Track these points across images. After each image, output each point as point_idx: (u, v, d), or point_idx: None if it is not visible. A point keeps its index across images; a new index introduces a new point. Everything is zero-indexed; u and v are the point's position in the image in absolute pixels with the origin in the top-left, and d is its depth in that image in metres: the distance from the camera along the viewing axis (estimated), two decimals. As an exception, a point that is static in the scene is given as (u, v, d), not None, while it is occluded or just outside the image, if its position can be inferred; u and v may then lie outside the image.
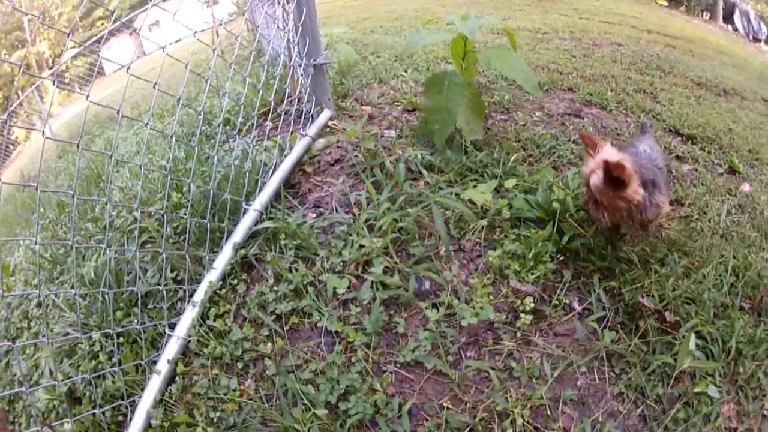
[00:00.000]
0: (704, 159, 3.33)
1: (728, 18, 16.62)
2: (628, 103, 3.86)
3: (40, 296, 2.45)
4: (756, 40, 16.76)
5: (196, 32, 2.25)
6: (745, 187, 3.14)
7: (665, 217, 2.58)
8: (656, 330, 2.01)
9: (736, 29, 16.34)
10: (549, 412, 1.82)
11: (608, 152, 1.89)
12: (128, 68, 1.88)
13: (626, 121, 3.57)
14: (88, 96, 1.85)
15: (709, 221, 2.69)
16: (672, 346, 1.98)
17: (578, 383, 1.91)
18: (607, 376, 1.93)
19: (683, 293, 2.15)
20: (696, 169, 3.19)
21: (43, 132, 1.71)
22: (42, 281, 2.58)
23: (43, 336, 2.05)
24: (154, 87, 2.00)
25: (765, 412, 1.94)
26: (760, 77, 7.30)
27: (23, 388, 1.98)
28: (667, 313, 2.03)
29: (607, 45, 5.71)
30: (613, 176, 1.82)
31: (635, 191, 1.86)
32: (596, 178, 1.87)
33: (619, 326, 2.06)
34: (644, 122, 2.79)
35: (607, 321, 2.07)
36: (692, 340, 1.89)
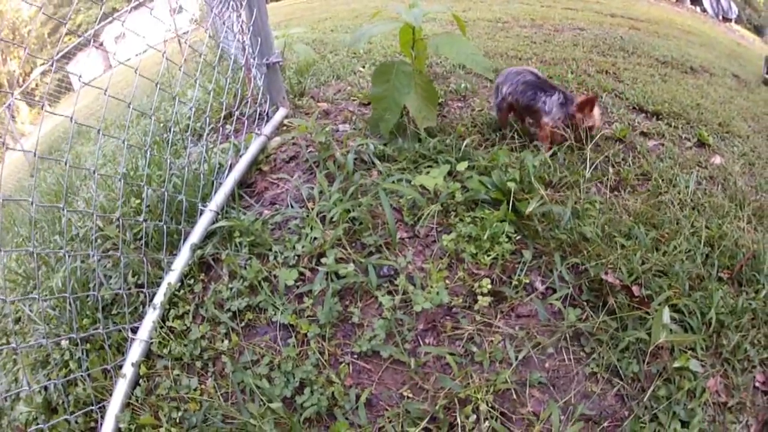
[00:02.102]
0: (671, 134, 3.34)
1: None
2: (590, 83, 3.87)
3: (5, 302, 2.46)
4: (726, 20, 16.91)
5: (154, 46, 2.25)
6: (716, 160, 3.14)
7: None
8: (626, 306, 1.97)
9: (704, 10, 16.45)
10: (516, 397, 1.79)
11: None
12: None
13: (587, 102, 3.56)
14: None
15: (678, 193, 2.67)
16: (645, 321, 1.94)
17: (546, 365, 1.88)
18: (576, 356, 1.90)
19: (653, 266, 2.12)
20: (662, 144, 3.19)
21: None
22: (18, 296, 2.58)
23: (14, 346, 2.06)
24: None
25: (756, 384, 1.92)
26: (730, 54, 7.36)
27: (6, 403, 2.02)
28: (635, 288, 2.00)
29: (569, 30, 5.73)
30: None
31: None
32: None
33: (585, 304, 2.03)
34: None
35: (572, 299, 2.04)
36: (666, 314, 1.84)
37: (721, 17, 16.65)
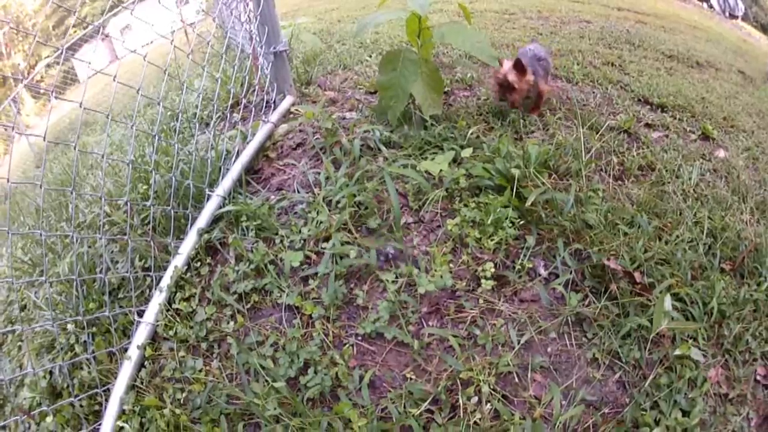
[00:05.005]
0: (675, 126, 3.33)
1: (703, -5, 16.62)
2: (595, 75, 3.86)
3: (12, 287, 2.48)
4: (732, 17, 16.79)
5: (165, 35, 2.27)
6: (720, 153, 3.14)
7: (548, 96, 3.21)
8: (628, 292, 1.99)
9: (711, 7, 16.35)
10: (517, 380, 1.81)
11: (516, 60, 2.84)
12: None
13: (593, 93, 3.57)
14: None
15: (682, 184, 2.68)
16: (646, 308, 1.95)
17: (548, 350, 1.89)
18: (578, 341, 1.92)
19: (655, 254, 2.12)
20: (667, 136, 3.19)
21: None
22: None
23: (18, 328, 2.07)
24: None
25: (757, 377, 1.92)
26: (736, 51, 7.32)
27: (10, 389, 2.05)
28: (637, 274, 2.01)
29: (575, 22, 5.71)
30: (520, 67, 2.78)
31: (529, 76, 2.84)
32: (512, 73, 2.81)
33: (587, 289, 2.04)
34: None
35: (575, 284, 2.06)
36: (668, 301, 1.85)
37: (727, 14, 16.52)
